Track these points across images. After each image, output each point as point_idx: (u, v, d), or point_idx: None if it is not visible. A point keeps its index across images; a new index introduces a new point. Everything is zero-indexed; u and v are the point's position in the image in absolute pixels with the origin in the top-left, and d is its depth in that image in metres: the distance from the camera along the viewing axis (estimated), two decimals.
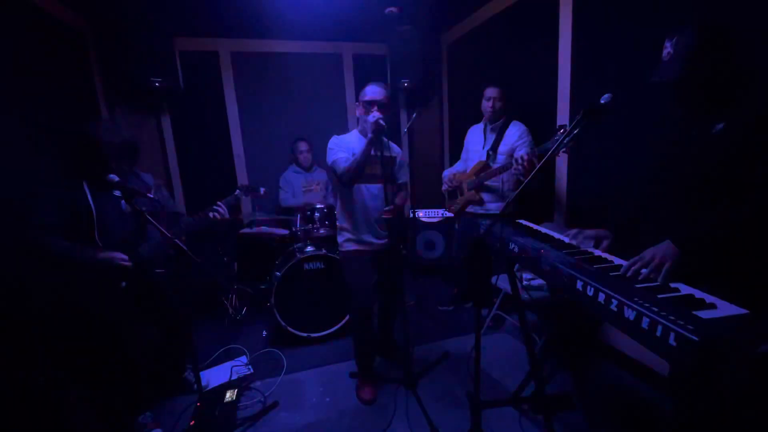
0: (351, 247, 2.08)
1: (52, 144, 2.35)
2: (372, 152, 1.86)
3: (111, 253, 1.68)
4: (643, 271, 1.09)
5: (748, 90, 1.15)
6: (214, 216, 2.05)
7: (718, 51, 1.12)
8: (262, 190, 2.41)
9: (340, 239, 2.13)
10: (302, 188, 3.41)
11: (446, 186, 2.89)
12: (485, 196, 2.66)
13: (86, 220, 1.67)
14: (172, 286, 2.01)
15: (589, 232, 1.41)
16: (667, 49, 1.18)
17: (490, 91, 2.57)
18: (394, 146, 2.12)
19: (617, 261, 1.21)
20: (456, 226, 3.03)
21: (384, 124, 1.82)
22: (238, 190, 2.18)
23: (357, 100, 2.05)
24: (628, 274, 1.10)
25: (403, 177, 2.22)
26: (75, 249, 1.64)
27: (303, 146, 3.40)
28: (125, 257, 1.70)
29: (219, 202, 2.11)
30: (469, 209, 2.75)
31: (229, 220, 2.12)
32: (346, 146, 2.01)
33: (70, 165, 1.74)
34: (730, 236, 1.09)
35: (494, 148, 2.59)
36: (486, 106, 2.59)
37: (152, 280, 1.91)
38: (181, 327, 2.13)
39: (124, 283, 1.75)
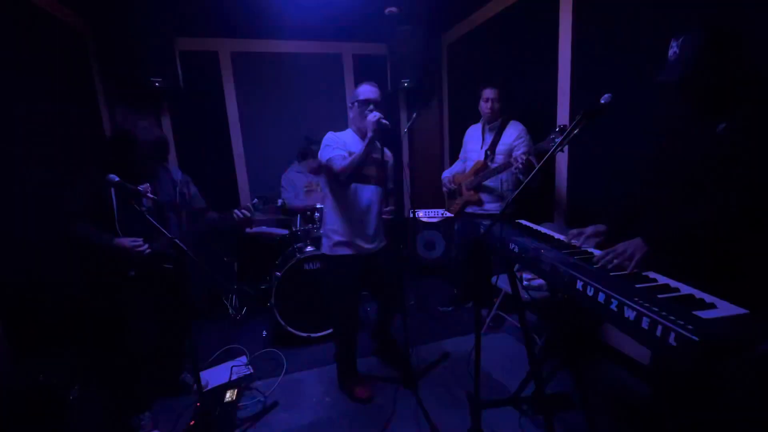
0: (340, 251, 2.01)
1: (54, 144, 2.35)
2: (372, 154, 1.86)
3: (124, 240, 1.73)
4: (615, 261, 1.16)
5: (751, 90, 1.15)
6: (238, 216, 2.05)
7: (724, 52, 1.12)
8: (279, 201, 2.49)
9: (327, 242, 2.04)
10: (304, 188, 3.41)
11: (446, 187, 2.89)
12: (484, 196, 2.66)
13: (108, 215, 1.74)
14: (179, 282, 2.01)
15: (588, 230, 1.42)
16: (673, 48, 1.18)
17: (488, 92, 2.57)
18: (386, 151, 2.09)
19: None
20: (455, 226, 3.03)
21: (386, 122, 1.79)
22: (255, 200, 2.17)
23: (351, 101, 2.02)
24: (599, 264, 1.17)
25: (390, 184, 2.21)
26: (94, 233, 1.72)
27: None
28: (140, 240, 1.75)
29: (239, 209, 2.10)
30: (468, 210, 2.75)
31: (250, 221, 2.12)
32: (342, 144, 1.96)
33: (100, 163, 1.81)
34: (700, 235, 1.12)
35: (492, 148, 2.59)
36: (484, 106, 2.60)
37: (160, 273, 1.92)
38: (181, 327, 2.13)
39: (132, 272, 1.78)
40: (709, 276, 1.06)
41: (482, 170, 2.60)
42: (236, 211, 2.03)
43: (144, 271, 1.81)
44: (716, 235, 1.11)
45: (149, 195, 1.77)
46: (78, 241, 1.73)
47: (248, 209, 2.06)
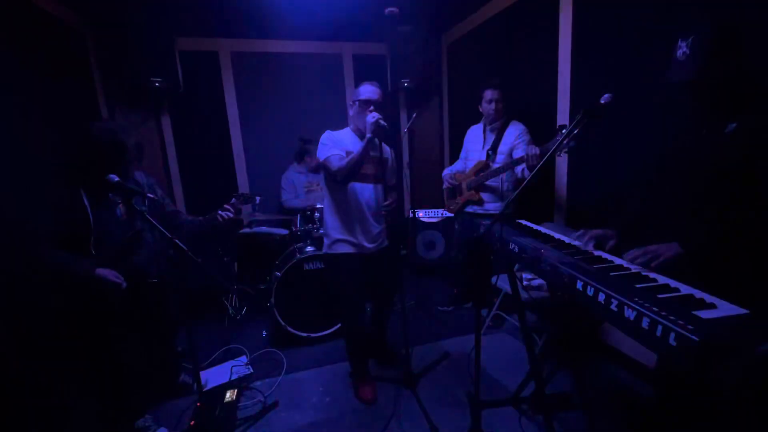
0: (341, 249, 2.02)
1: (52, 147, 2.34)
2: (370, 152, 1.86)
3: (106, 274, 1.59)
4: (647, 257, 1.15)
5: (762, 89, 1.15)
6: (222, 216, 1.96)
7: (735, 51, 1.12)
8: (258, 199, 2.29)
9: (327, 241, 2.07)
10: (304, 188, 3.41)
11: (447, 183, 2.90)
12: (485, 195, 2.66)
13: (83, 230, 1.60)
14: (170, 292, 1.96)
15: (595, 231, 1.41)
16: (683, 48, 1.18)
17: (491, 93, 2.57)
18: (386, 147, 2.09)
19: (617, 261, 1.21)
20: (455, 226, 3.03)
21: (384, 124, 1.80)
22: (234, 199, 2.06)
23: (351, 100, 2.02)
24: (634, 261, 1.16)
25: (392, 179, 2.21)
26: (70, 261, 1.58)
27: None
28: (119, 281, 1.61)
29: (222, 210, 2.01)
30: (469, 209, 2.76)
31: (234, 220, 2.04)
32: (339, 143, 1.97)
33: (69, 170, 1.66)
34: (738, 242, 1.10)
35: (494, 147, 2.60)
36: (487, 108, 2.60)
37: (145, 290, 1.82)
38: (175, 334, 2.11)
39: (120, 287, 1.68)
40: (710, 276, 1.06)
41: (484, 170, 2.61)
42: (220, 212, 1.97)
43: (128, 290, 1.68)
44: (755, 241, 1.10)
45: (149, 195, 1.75)
46: (48, 266, 1.57)
47: (231, 208, 1.98)
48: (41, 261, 1.57)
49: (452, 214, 2.97)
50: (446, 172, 2.94)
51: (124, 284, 1.63)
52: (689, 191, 1.26)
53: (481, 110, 2.66)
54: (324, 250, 2.10)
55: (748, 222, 1.09)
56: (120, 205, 1.72)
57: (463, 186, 2.76)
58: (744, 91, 1.15)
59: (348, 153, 1.92)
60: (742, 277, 1.11)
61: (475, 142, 2.78)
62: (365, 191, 2.02)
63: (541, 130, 2.51)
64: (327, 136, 1.99)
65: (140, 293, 1.79)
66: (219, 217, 1.96)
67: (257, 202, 2.24)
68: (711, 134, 1.22)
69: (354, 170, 1.87)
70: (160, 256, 1.90)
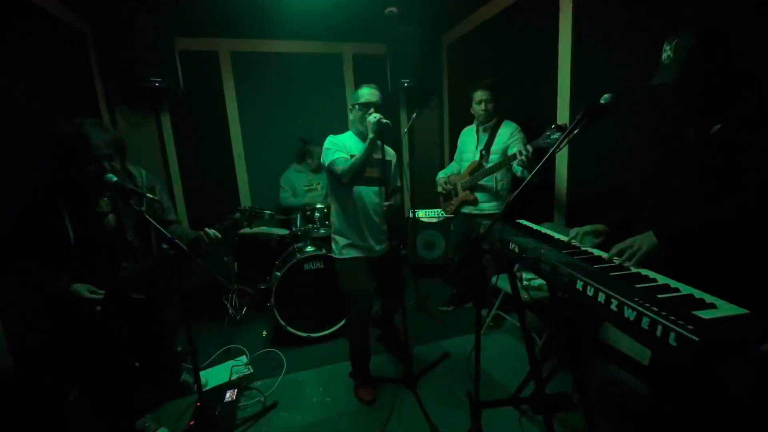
0: (350, 254, 2.04)
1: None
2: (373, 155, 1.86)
3: (81, 290, 1.52)
4: (628, 252, 1.17)
5: (745, 91, 1.16)
6: (206, 237, 1.85)
7: (717, 53, 1.13)
8: (267, 214, 2.16)
9: (336, 246, 2.08)
10: (304, 188, 3.41)
11: (441, 188, 2.91)
12: (479, 195, 2.68)
13: (62, 244, 1.52)
14: (162, 304, 1.90)
15: (587, 228, 1.42)
16: (666, 51, 1.19)
17: (480, 94, 2.59)
18: (389, 149, 2.11)
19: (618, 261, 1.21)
20: (451, 226, 3.05)
21: (387, 121, 1.80)
22: (237, 214, 1.95)
23: (351, 104, 2.02)
24: (616, 256, 1.19)
25: (396, 181, 2.22)
26: (46, 277, 1.52)
27: (319, 151, 3.35)
28: (96, 296, 1.54)
29: (211, 229, 1.89)
30: (464, 210, 2.77)
31: (215, 243, 1.90)
32: (343, 147, 1.98)
33: (50, 180, 1.55)
34: (711, 234, 1.11)
35: (487, 147, 2.62)
36: (477, 109, 2.62)
37: (128, 306, 1.73)
38: (175, 335, 2.09)
39: (98, 307, 1.58)
40: (709, 276, 1.06)
41: (478, 170, 2.62)
42: (206, 229, 1.87)
43: (111, 305, 1.60)
44: (726, 234, 1.11)
45: (149, 195, 1.72)
46: (27, 281, 1.53)
47: (216, 232, 1.87)
48: (23, 276, 1.54)
49: (451, 215, 2.98)
50: (441, 175, 2.96)
51: (99, 307, 1.56)
52: (676, 190, 1.27)
53: (472, 112, 2.68)
54: (333, 254, 2.11)
55: (726, 215, 1.09)
56: (109, 216, 1.64)
57: (458, 187, 2.77)
58: (727, 92, 1.15)
59: (352, 156, 1.93)
60: (740, 276, 1.11)
61: (468, 143, 2.80)
62: (370, 194, 2.03)
63: (541, 130, 2.51)
64: (330, 141, 2.00)
65: (122, 309, 1.70)
66: (203, 236, 1.84)
67: (265, 218, 2.14)
68: (697, 135, 1.23)
69: (359, 172, 1.88)
70: (148, 270, 1.78)
